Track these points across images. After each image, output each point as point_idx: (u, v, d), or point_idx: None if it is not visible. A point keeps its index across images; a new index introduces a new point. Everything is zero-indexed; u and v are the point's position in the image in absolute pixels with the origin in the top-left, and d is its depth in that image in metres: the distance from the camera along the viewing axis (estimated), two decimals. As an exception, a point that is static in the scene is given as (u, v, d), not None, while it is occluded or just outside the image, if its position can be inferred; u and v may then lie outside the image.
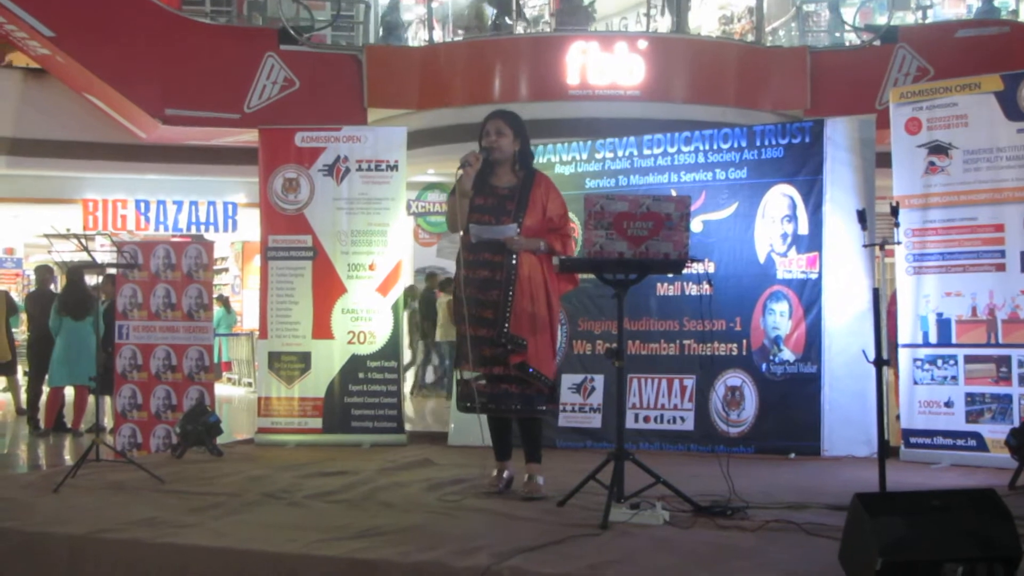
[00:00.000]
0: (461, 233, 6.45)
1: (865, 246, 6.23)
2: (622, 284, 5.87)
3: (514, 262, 6.29)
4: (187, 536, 5.28)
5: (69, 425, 13.22)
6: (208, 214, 20.49)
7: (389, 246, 9.27)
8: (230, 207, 20.57)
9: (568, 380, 8.77)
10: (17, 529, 5.53)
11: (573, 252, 6.61)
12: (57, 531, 5.46)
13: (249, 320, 22.40)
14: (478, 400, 6.31)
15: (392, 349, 9.19)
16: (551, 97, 16.92)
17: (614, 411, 8.28)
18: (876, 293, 5.76)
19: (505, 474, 6.51)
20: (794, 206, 8.27)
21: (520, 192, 6.39)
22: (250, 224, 19.89)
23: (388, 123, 16.44)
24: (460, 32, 18.47)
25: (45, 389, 13.46)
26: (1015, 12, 18.84)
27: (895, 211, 6.09)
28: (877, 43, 17.15)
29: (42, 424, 13.22)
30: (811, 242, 8.18)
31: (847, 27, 18.17)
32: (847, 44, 18.16)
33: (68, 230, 18.68)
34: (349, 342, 9.17)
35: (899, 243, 7.06)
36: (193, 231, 20.28)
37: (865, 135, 8.29)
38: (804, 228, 8.22)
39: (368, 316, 9.19)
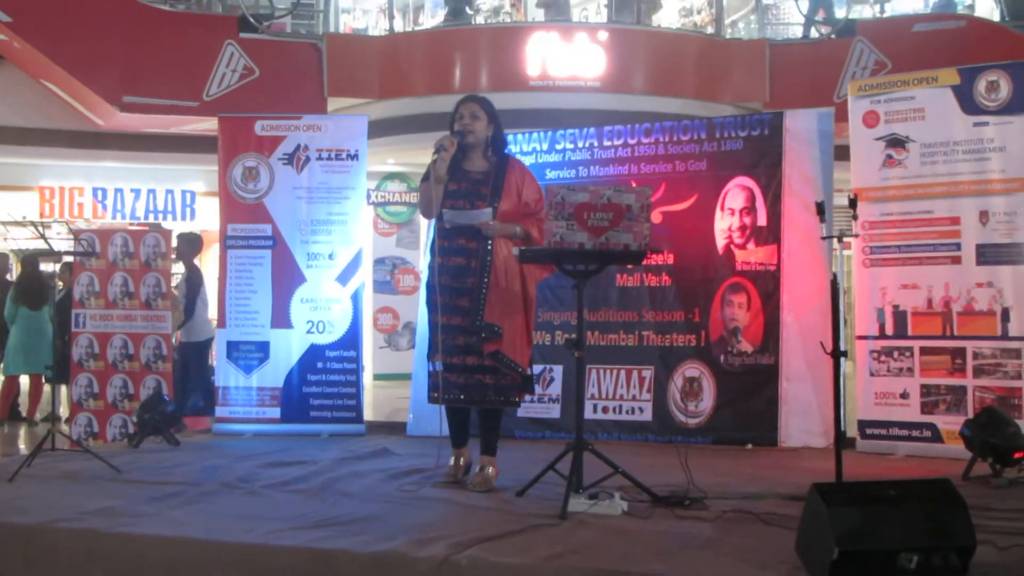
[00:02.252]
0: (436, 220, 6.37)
1: (824, 238, 6.24)
2: (582, 275, 5.88)
3: (489, 248, 6.24)
4: (144, 526, 5.24)
5: (24, 414, 13.11)
6: (166, 202, 20.35)
7: (349, 235, 9.23)
8: (188, 196, 20.43)
9: (527, 370, 8.79)
10: (-29, 519, 5.47)
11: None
12: (12, 521, 5.40)
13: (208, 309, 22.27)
14: (452, 391, 6.27)
15: (351, 339, 9.15)
16: (512, 88, 16.88)
17: (573, 401, 8.32)
18: (835, 283, 5.78)
19: (462, 461, 6.49)
20: (753, 198, 8.31)
21: (494, 177, 6.33)
22: (208, 213, 19.81)
23: (348, 112, 16.38)
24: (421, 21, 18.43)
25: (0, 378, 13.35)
26: (971, 7, 18.97)
27: (853, 203, 6.13)
28: (835, 36, 17.23)
29: (-5, 413, 13.11)
30: (770, 234, 8.23)
31: (806, 19, 18.24)
32: (806, 37, 18.24)
33: (24, 218, 18.56)
34: (308, 332, 9.14)
35: (857, 235, 7.08)
36: (151, 220, 20.15)
37: (824, 127, 8.34)
38: (763, 220, 8.27)
39: (327, 306, 9.16)
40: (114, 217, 19.84)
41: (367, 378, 9.20)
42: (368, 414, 9.27)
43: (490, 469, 6.32)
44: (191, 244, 11.36)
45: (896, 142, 8.03)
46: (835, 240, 6.40)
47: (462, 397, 6.31)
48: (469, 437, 6.54)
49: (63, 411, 10.85)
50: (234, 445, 8.41)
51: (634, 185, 8.02)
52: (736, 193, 8.38)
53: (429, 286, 6.37)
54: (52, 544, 5.16)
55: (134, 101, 16.69)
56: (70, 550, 5.11)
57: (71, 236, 9.66)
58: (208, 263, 14.64)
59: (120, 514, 5.50)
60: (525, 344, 6.36)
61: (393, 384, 17.27)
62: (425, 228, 11.85)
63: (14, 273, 15.08)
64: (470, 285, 6.24)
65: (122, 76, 16.55)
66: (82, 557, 5.06)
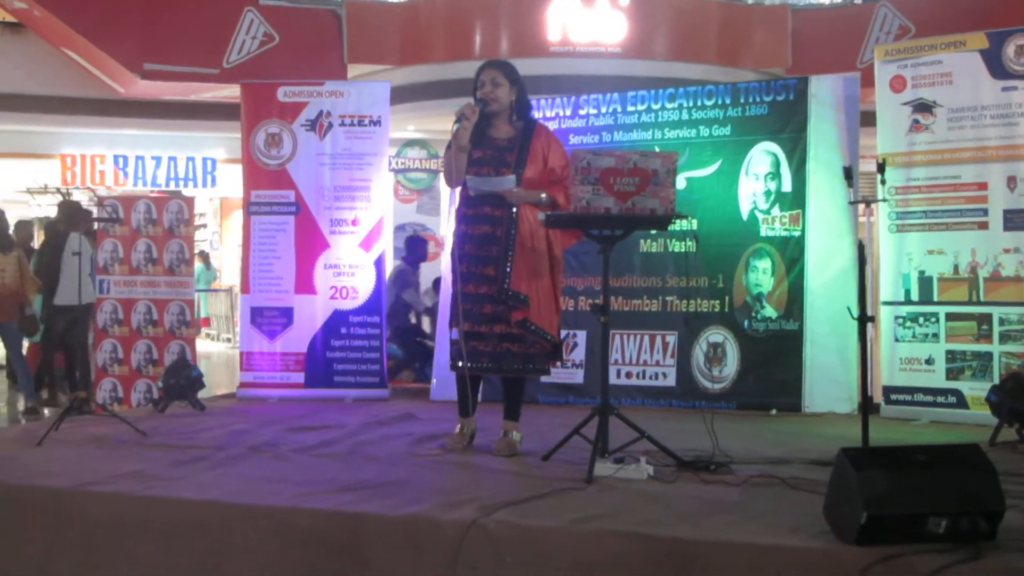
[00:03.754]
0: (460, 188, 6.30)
1: (851, 203, 6.23)
2: (608, 240, 5.86)
3: (514, 215, 6.15)
4: (173, 489, 5.26)
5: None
6: (187, 170, 20.42)
7: (372, 202, 9.25)
8: (209, 163, 20.50)
9: (551, 336, 8.82)
10: (2, 482, 5.50)
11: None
12: (42, 484, 5.43)
13: (228, 276, 22.36)
14: (479, 360, 6.22)
15: (375, 305, 9.18)
16: (532, 54, 16.86)
17: (596, 367, 8.36)
18: (861, 248, 5.75)
19: (467, 429, 6.44)
20: (778, 163, 8.28)
21: (520, 143, 6.23)
22: (229, 180, 19.91)
23: (368, 79, 16.37)
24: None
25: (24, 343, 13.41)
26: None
27: (881, 168, 6.09)
28: (858, 1, 17.13)
29: (21, 379, 13.17)
30: (794, 199, 8.20)
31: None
32: (828, 2, 18.14)
33: (46, 186, 18.62)
34: (331, 297, 9.17)
35: (885, 200, 7.07)
36: (172, 187, 20.21)
37: (850, 92, 8.29)
38: (787, 185, 8.24)
39: (351, 271, 9.18)
40: (135, 184, 19.94)
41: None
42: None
43: (514, 434, 6.30)
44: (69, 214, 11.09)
45: (923, 107, 7.98)
46: (862, 205, 6.38)
47: (489, 366, 6.26)
48: (476, 406, 6.51)
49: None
50: (259, 410, 8.44)
51: (658, 150, 8.00)
52: (760, 158, 8.35)
53: (454, 255, 6.31)
54: (82, 507, 5.18)
55: (155, 68, 16.74)
56: (101, 513, 5.13)
57: (95, 203, 9.67)
58: (231, 229, 14.66)
59: (149, 478, 5.52)
60: (553, 311, 6.28)
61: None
62: (447, 195, 11.85)
63: (37, 241, 15.15)
64: (495, 253, 6.16)
65: (142, 43, 16.61)
66: (113, 520, 5.08)
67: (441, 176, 19.69)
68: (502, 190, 6.14)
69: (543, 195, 6.18)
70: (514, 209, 6.16)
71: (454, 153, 6.12)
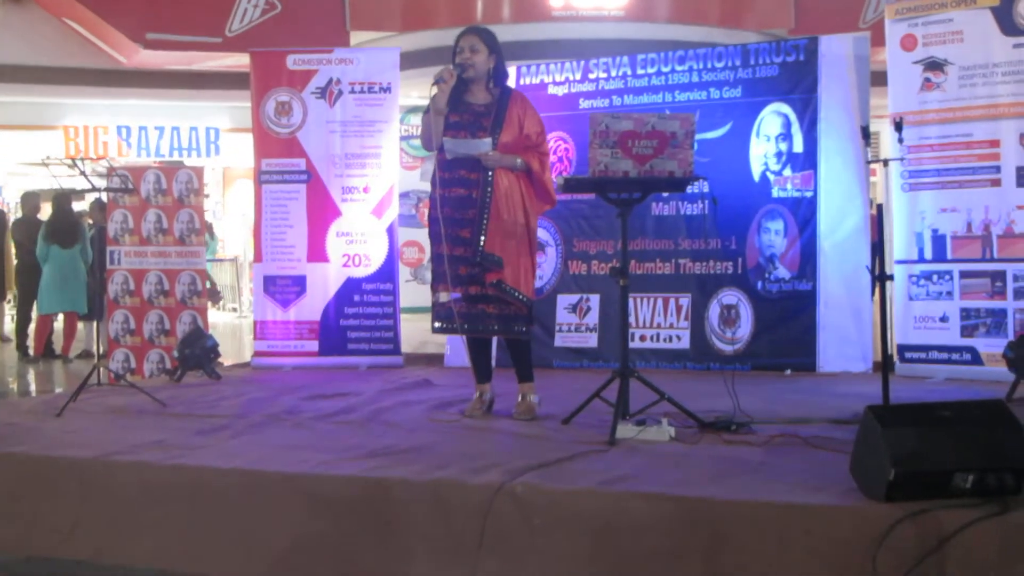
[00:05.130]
0: (436, 152, 6.31)
1: (868, 162, 6.22)
2: (627, 203, 5.87)
3: (490, 178, 6.18)
4: (197, 457, 5.29)
5: (58, 352, 13.22)
6: (190, 139, 20.36)
7: (383, 168, 9.24)
8: (212, 132, 20.44)
9: (564, 300, 8.84)
10: (26, 453, 5.52)
11: (550, 170, 6.49)
12: (66, 454, 5.46)
13: (232, 246, 22.34)
14: (456, 321, 6.28)
15: (387, 272, 9.20)
16: (534, 18, 16.78)
17: (610, 330, 8.41)
18: (880, 209, 5.76)
19: (485, 396, 6.48)
20: (789, 124, 8.27)
21: (496, 109, 6.27)
22: (233, 149, 19.85)
23: (371, 46, 16.30)
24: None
25: (33, 316, 13.45)
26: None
27: (899, 126, 6.07)
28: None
29: (31, 351, 13.22)
30: (806, 160, 8.19)
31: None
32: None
33: (48, 157, 18.59)
34: (344, 265, 9.18)
35: (903, 159, 7.05)
36: (175, 157, 20.16)
37: (860, 52, 8.26)
38: (799, 146, 8.23)
39: (363, 239, 9.18)
40: (139, 155, 19.90)
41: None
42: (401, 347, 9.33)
43: (532, 396, 6.35)
44: None
45: (934, 65, 7.96)
46: (873, 165, 6.37)
47: (465, 327, 6.32)
48: (492, 372, 6.55)
49: (100, 348, 10.91)
50: (274, 378, 8.47)
51: (668, 112, 7.99)
52: (771, 120, 8.34)
53: (432, 219, 6.32)
54: (108, 477, 5.21)
55: (157, 38, 16.66)
56: (126, 483, 5.15)
57: (103, 173, 9.66)
58: (234, 199, 14.63)
59: (172, 447, 5.54)
60: (529, 275, 6.34)
61: (420, 317, 17.31)
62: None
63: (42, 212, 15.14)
64: (471, 216, 6.20)
65: (144, 13, 16.53)
66: (138, 489, 5.11)
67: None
68: (478, 153, 6.18)
69: (519, 160, 6.24)
70: (489, 173, 6.19)
71: (432, 116, 6.19)
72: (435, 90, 6.17)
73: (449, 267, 6.20)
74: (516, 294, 6.21)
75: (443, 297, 6.29)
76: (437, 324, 6.41)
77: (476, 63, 6.27)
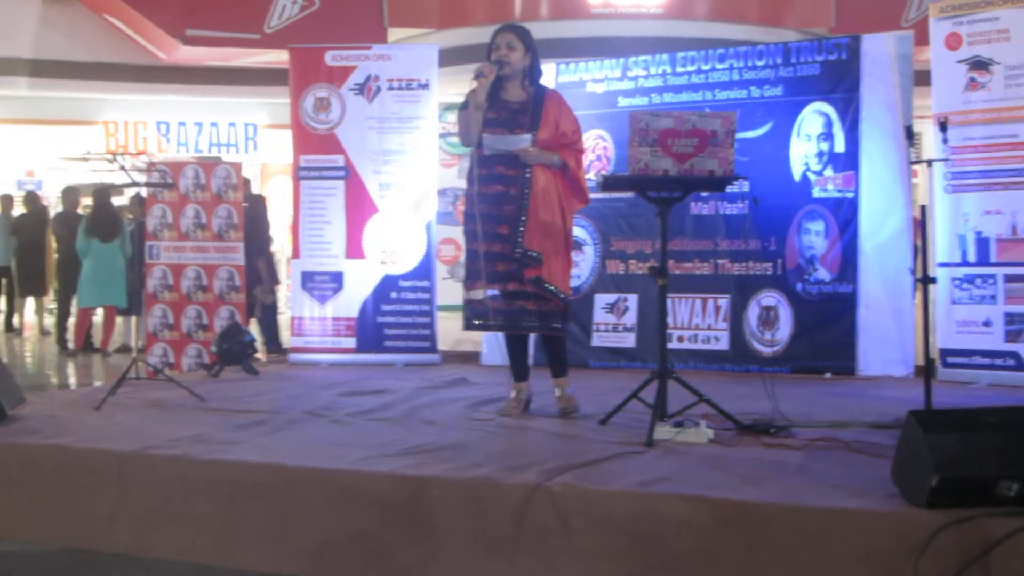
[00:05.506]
0: (473, 148, 6.31)
1: (912, 163, 6.14)
2: (666, 202, 5.83)
3: (528, 175, 6.19)
4: (235, 452, 5.30)
5: (97, 345, 13.30)
6: (228, 135, 20.45)
7: (421, 165, 9.22)
8: (250, 128, 20.52)
9: (601, 300, 8.80)
10: (66, 446, 5.55)
11: (584, 169, 6.50)
12: (105, 447, 5.48)
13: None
14: (492, 318, 6.26)
15: (425, 269, 9.18)
16: (573, 15, 16.77)
17: (648, 331, 8.37)
18: (923, 210, 5.68)
19: (523, 395, 6.46)
20: (830, 124, 8.20)
21: (532, 106, 6.28)
22: (270, 145, 19.92)
23: (408, 43, 16.32)
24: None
25: (73, 310, 13.54)
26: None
27: (943, 127, 5.99)
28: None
29: (71, 344, 13.31)
30: (847, 160, 8.11)
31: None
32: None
33: (88, 152, 18.73)
34: (382, 262, 9.17)
35: (946, 160, 6.96)
36: (213, 152, 20.25)
37: (903, 51, 8.17)
38: (840, 146, 8.15)
39: (400, 236, 9.16)
40: (177, 150, 20.01)
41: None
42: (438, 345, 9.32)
43: (568, 389, 6.39)
44: None
45: (979, 65, 7.86)
46: (922, 166, 6.30)
47: (503, 323, 6.31)
48: (529, 371, 6.53)
49: (138, 342, 10.98)
50: (311, 375, 8.49)
51: (708, 111, 7.94)
52: (813, 119, 8.27)
53: (468, 215, 6.32)
54: (147, 470, 5.23)
55: (196, 34, 16.77)
56: (165, 476, 5.17)
57: (142, 169, 9.68)
58: (271, 195, 14.65)
59: (211, 441, 5.56)
60: (566, 271, 6.35)
61: (457, 315, 17.30)
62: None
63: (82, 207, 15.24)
64: (508, 212, 6.20)
65: (184, 9, 16.63)
66: (177, 483, 5.12)
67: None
68: (517, 149, 6.18)
69: (555, 157, 6.24)
70: (527, 170, 6.20)
71: (471, 111, 6.18)
72: (475, 85, 6.16)
73: (486, 263, 6.19)
74: (554, 290, 6.21)
75: (479, 294, 6.28)
76: (476, 321, 6.38)
77: (513, 60, 6.27)
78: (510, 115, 6.26)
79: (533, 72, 6.37)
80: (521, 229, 6.16)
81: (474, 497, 4.62)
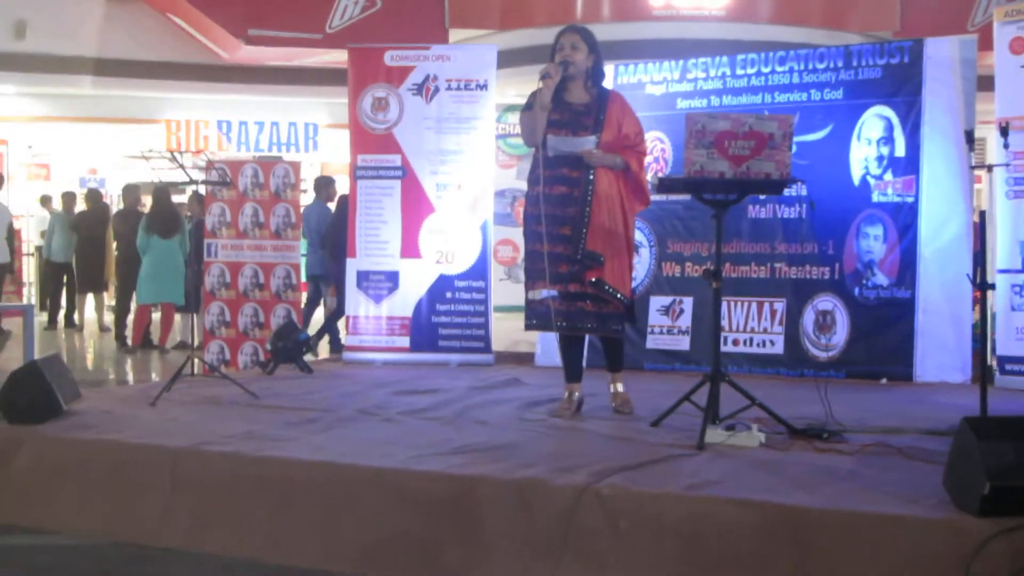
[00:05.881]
0: (535, 149, 6.32)
1: (972, 168, 6.06)
2: (722, 204, 5.79)
3: (591, 177, 6.21)
4: (286, 449, 5.33)
5: (155, 342, 13.43)
6: (289, 134, 20.58)
7: (478, 166, 9.24)
8: (311, 128, 20.64)
9: (656, 302, 8.76)
10: (120, 441, 5.61)
11: (645, 170, 6.51)
12: (158, 443, 5.53)
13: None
14: (554, 318, 6.25)
15: (480, 270, 9.19)
16: (634, 17, 16.72)
17: (703, 333, 8.33)
18: (983, 216, 5.61)
19: (575, 396, 6.46)
20: (891, 128, 8.11)
21: (596, 108, 6.30)
22: (331, 145, 20.03)
23: (469, 44, 16.35)
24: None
25: (132, 307, 13.67)
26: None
27: (1004, 131, 5.91)
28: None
29: (129, 341, 13.44)
30: (908, 165, 8.03)
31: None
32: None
33: (150, 150, 18.94)
34: (437, 262, 9.19)
35: (1007, 165, 6.85)
36: (274, 152, 20.40)
37: (966, 55, 8.07)
38: (901, 150, 8.07)
39: (456, 236, 9.18)
40: (238, 149, 20.17)
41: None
42: (492, 345, 9.32)
43: (620, 385, 6.46)
44: None
45: (1044, 69, 7.75)
46: (978, 171, 6.22)
47: (563, 324, 6.29)
48: (583, 372, 6.53)
49: (195, 339, 11.07)
50: (365, 373, 8.52)
51: (767, 113, 7.88)
52: (873, 123, 8.19)
53: (530, 216, 6.34)
54: (199, 466, 5.27)
55: (259, 34, 16.88)
56: (217, 472, 5.22)
57: (202, 167, 9.77)
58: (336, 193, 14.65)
59: (262, 438, 5.60)
60: (627, 273, 6.35)
61: (513, 316, 17.31)
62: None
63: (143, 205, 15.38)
64: (572, 214, 6.22)
65: (246, 9, 16.75)
66: (229, 479, 5.17)
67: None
68: (581, 151, 6.20)
69: (619, 159, 6.26)
70: (591, 172, 6.21)
71: (536, 112, 6.19)
72: (540, 86, 6.18)
73: (548, 264, 6.19)
74: (615, 293, 6.22)
75: (540, 295, 6.29)
76: (533, 321, 6.40)
77: (577, 61, 6.29)
78: (574, 116, 6.28)
79: (596, 73, 6.40)
80: (584, 231, 6.19)
81: (522, 498, 4.61)
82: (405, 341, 9.21)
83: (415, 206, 9.22)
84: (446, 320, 9.18)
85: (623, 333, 6.47)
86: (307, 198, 19.37)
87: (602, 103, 6.31)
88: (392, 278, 9.25)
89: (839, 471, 4.83)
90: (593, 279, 6.19)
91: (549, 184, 6.23)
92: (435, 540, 4.71)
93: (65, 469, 5.58)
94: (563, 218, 6.23)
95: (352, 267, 9.40)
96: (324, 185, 12.53)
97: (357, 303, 9.33)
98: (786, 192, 6.34)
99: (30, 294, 19.18)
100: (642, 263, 8.82)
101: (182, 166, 7.53)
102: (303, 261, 12.01)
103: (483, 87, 9.23)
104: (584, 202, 6.20)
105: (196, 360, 7.63)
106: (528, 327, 6.50)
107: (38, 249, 18.46)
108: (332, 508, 4.91)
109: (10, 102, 19.31)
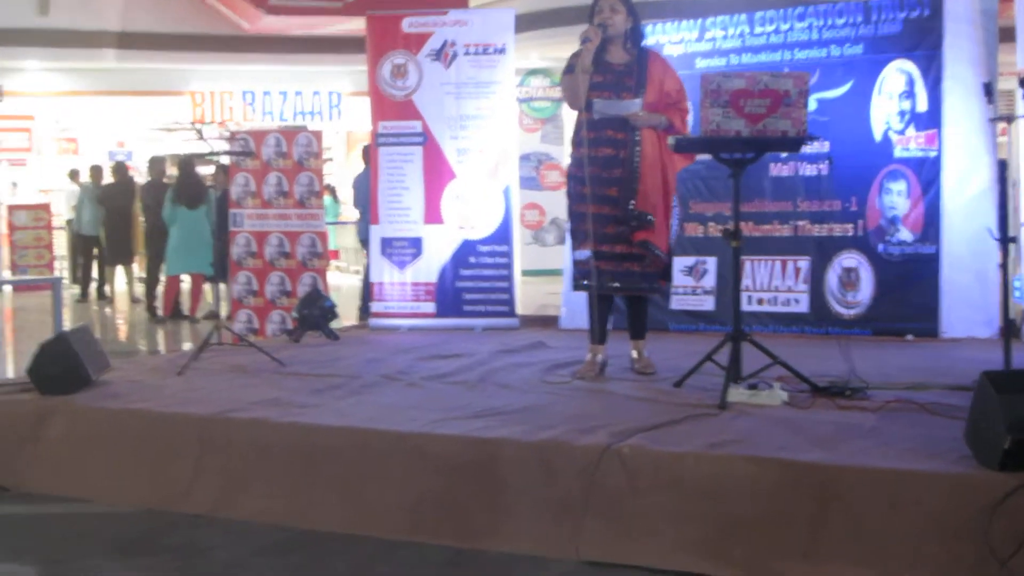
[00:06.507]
0: (577, 112, 6.36)
1: (991, 120, 6.02)
2: (739, 163, 5.78)
3: (637, 138, 6.26)
4: (312, 415, 5.39)
5: (185, 312, 13.53)
6: (313, 103, 20.62)
7: (498, 130, 9.24)
8: (334, 96, 20.68)
9: (680, 263, 8.73)
10: (148, 410, 5.69)
11: (688, 128, 6.53)
12: (186, 411, 5.61)
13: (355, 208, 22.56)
14: (602, 279, 6.30)
15: (503, 234, 9.20)
16: (655, -24, 16.59)
17: (727, 293, 8.30)
18: (1003, 165, 5.58)
19: (599, 358, 6.50)
20: (912, 82, 8.06)
21: (637, 68, 6.35)
22: (354, 113, 20.07)
23: (491, 7, 16.28)
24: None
25: (161, 278, 13.77)
26: None
27: (1023, 84, 5.87)
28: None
29: (160, 311, 13.55)
30: (930, 119, 7.96)
31: None
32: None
33: (176, 122, 19.03)
34: (460, 227, 9.21)
35: (1027, 117, 6.80)
36: (298, 121, 20.45)
37: (987, 7, 8.00)
38: (923, 105, 8.01)
39: (478, 201, 9.20)
40: (263, 119, 20.20)
41: (516, 273, 9.27)
42: (518, 309, 9.34)
43: (646, 352, 6.51)
44: None
45: (1064, 20, 7.67)
46: (1001, 124, 6.18)
47: (615, 285, 6.37)
48: (608, 335, 6.56)
49: (224, 309, 11.15)
50: (391, 339, 8.58)
51: (787, 71, 7.84)
52: (894, 77, 8.13)
53: (574, 177, 6.39)
54: (226, 433, 5.34)
55: (280, 3, 16.90)
56: (243, 439, 5.29)
57: (226, 138, 9.82)
58: (357, 162, 14.69)
59: (288, 405, 5.66)
60: (666, 232, 6.42)
61: (540, 280, 17.33)
62: (571, 124, 11.65)
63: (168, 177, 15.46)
64: (618, 175, 6.28)
65: (267, -22, 16.73)
66: (255, 445, 5.23)
67: (564, 105, 19.59)
68: (628, 113, 6.25)
69: (663, 118, 6.31)
70: (636, 133, 6.26)
71: (577, 75, 6.24)
72: (581, 49, 6.23)
73: (595, 225, 6.24)
74: (658, 252, 6.31)
75: (585, 254, 6.35)
76: (583, 282, 6.43)
77: (616, 23, 6.34)
78: (616, 78, 6.34)
79: (635, 34, 6.47)
80: (633, 191, 6.25)
81: (544, 459, 4.65)
82: (430, 307, 9.25)
83: (437, 172, 9.24)
84: (470, 285, 9.20)
85: (665, 290, 6.63)
86: (332, 166, 19.46)
87: (643, 63, 6.38)
88: (415, 244, 9.28)
89: (861, 428, 4.84)
90: (640, 239, 6.27)
91: (594, 146, 6.30)
92: (459, 503, 4.75)
93: (96, 438, 5.67)
94: (609, 179, 6.30)
95: (376, 234, 9.43)
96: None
97: (381, 270, 9.37)
98: (807, 149, 6.34)
99: (61, 267, 19.35)
100: (665, 224, 8.80)
101: (203, 138, 7.57)
102: (355, 228, 12.04)
103: (501, 51, 9.21)
104: (631, 163, 6.26)
105: (223, 329, 7.69)
106: (575, 287, 6.56)
107: (68, 223, 18.60)
108: (357, 473, 4.97)
109: (36, 77, 19.43)
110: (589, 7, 6.45)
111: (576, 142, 6.39)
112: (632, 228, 6.25)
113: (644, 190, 6.25)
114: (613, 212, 6.28)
